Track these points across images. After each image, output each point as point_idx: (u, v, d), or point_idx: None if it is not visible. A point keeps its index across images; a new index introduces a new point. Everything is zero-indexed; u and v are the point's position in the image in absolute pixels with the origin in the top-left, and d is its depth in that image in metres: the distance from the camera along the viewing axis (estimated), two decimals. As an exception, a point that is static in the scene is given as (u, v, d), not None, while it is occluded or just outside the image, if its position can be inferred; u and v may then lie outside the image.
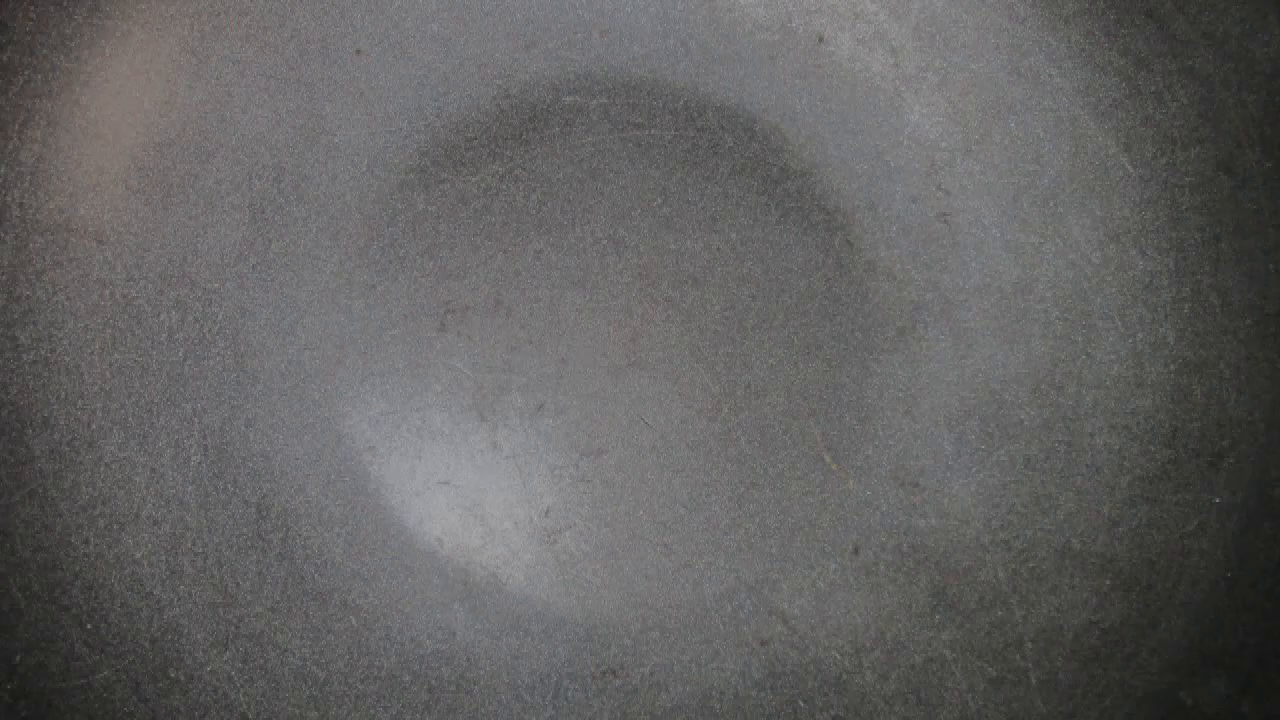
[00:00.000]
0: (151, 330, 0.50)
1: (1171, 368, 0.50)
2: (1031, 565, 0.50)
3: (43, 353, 0.49)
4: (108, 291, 0.50)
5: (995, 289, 0.51)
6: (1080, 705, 0.49)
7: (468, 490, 0.50)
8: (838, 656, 0.50)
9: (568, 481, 0.50)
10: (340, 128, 0.51)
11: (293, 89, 0.51)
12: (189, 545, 0.49)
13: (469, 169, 0.52)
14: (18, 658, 0.48)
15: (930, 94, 0.52)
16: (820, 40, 0.52)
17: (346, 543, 0.50)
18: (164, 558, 0.49)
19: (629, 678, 0.50)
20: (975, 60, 0.52)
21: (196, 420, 0.50)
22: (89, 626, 0.48)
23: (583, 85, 0.52)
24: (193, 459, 0.50)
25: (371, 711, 0.49)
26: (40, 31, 0.49)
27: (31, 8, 0.49)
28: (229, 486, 0.50)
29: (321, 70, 0.51)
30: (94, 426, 0.49)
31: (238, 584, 0.49)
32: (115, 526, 0.49)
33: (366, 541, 0.50)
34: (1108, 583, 0.49)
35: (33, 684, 0.48)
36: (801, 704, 0.49)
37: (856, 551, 0.50)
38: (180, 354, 0.50)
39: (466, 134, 0.52)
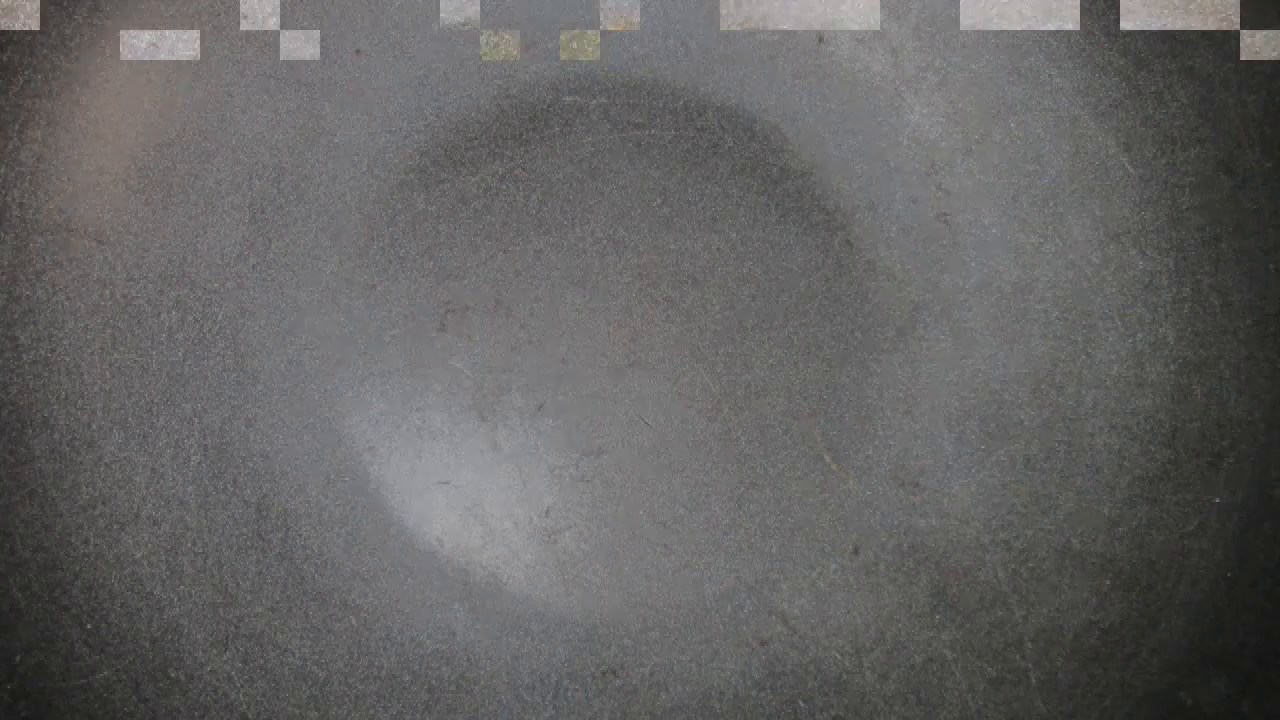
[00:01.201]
0: (151, 330, 0.50)
1: (1171, 368, 0.50)
2: (1031, 565, 0.50)
3: (43, 353, 0.49)
4: (108, 291, 0.50)
5: (995, 289, 0.51)
6: (1080, 705, 0.49)
7: (468, 490, 0.50)
8: (838, 656, 0.50)
9: (568, 481, 0.50)
10: (340, 128, 0.51)
11: (293, 89, 0.51)
12: (189, 545, 0.49)
13: (469, 169, 0.52)
14: (18, 658, 0.48)
15: (930, 94, 0.52)
16: (820, 40, 0.52)
17: (346, 543, 0.50)
18: (164, 558, 0.49)
19: (629, 678, 0.50)
20: (975, 60, 0.52)
21: (196, 420, 0.50)
22: (89, 626, 0.48)
23: (583, 85, 0.52)
24: (193, 459, 0.50)
25: (371, 711, 0.49)
26: (40, 31, 0.49)
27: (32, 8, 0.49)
28: (229, 486, 0.50)
29: (321, 70, 0.51)
30: (94, 426, 0.49)
31: (238, 584, 0.49)
32: (115, 526, 0.49)
33: (366, 541, 0.50)
34: (1108, 583, 0.49)
35: (33, 684, 0.48)
36: (801, 704, 0.49)
37: (856, 551, 0.50)
38: (180, 354, 0.50)
39: (466, 134, 0.52)
